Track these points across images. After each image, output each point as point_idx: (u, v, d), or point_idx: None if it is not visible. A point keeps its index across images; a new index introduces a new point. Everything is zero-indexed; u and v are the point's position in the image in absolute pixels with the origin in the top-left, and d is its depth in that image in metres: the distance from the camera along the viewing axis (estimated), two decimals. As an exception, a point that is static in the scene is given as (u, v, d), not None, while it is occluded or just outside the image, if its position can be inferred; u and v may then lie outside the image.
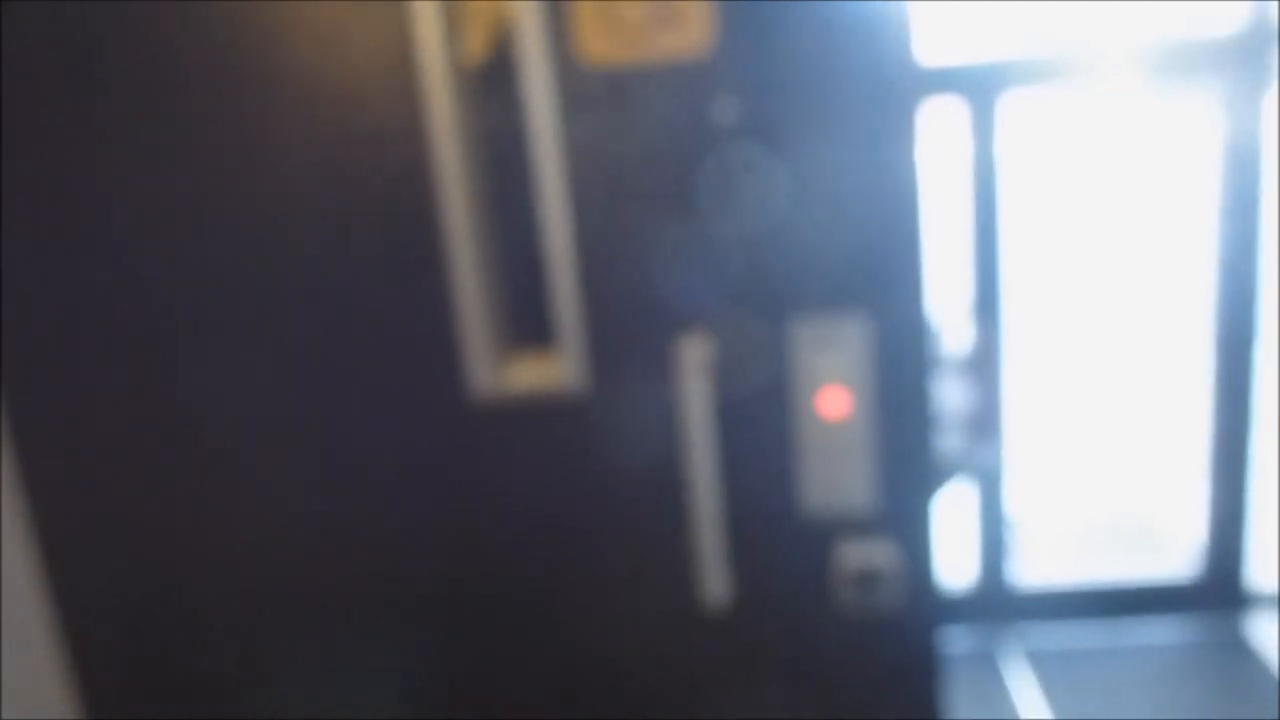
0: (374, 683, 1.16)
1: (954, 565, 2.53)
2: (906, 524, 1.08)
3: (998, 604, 2.56)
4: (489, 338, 1.04)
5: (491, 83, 1.01)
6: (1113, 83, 2.25)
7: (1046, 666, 2.37)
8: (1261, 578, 2.47)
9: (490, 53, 1.00)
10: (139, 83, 1.00)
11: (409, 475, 1.10)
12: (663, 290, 1.03)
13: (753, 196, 1.00)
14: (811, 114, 0.98)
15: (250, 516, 1.12)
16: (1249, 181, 2.23)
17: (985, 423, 2.27)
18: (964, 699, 2.29)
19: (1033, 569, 2.62)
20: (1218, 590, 2.49)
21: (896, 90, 0.98)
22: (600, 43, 0.98)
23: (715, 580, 1.06)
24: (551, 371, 1.05)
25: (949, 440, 2.23)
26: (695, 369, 1.01)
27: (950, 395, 2.21)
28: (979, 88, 2.26)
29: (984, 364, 2.29)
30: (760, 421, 1.05)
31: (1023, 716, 2.20)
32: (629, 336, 1.04)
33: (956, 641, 2.51)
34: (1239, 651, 2.37)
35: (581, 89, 0.99)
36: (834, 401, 1.04)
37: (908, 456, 1.06)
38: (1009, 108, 2.28)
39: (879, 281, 1.02)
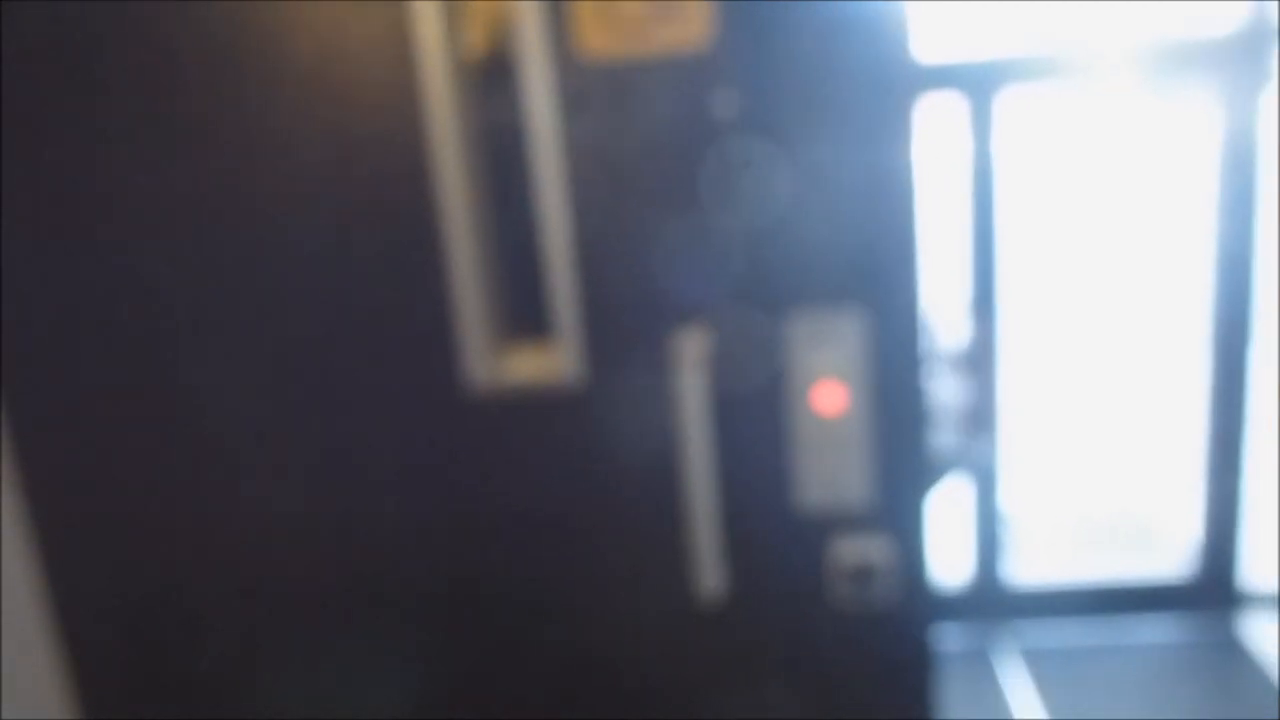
0: (371, 673, 1.16)
1: (949, 562, 2.54)
2: (901, 520, 1.08)
3: (993, 601, 2.56)
4: (487, 330, 1.04)
5: (491, 77, 1.01)
6: (1111, 81, 2.25)
7: (1041, 664, 2.38)
8: (1256, 577, 2.47)
9: (490, 47, 1.00)
10: (138, 82, 1.01)
11: (406, 468, 1.10)
12: (660, 284, 1.03)
13: (750, 191, 1.00)
14: (809, 109, 0.98)
15: (248, 513, 1.12)
16: (1246, 180, 2.24)
17: (981, 419, 2.27)
18: (959, 696, 2.29)
19: (1028, 567, 2.62)
20: (1212, 589, 2.49)
21: (894, 86, 0.98)
22: (599, 37, 0.98)
23: (710, 574, 1.06)
24: (549, 364, 1.05)
25: (945, 436, 2.23)
26: (692, 363, 1.01)
27: (946, 391, 2.22)
28: (978, 84, 2.26)
29: (980, 360, 2.29)
30: (756, 416, 1.06)
31: (1017, 714, 2.21)
32: (626, 330, 1.04)
33: (951, 639, 2.52)
34: (1233, 651, 2.37)
35: (580, 83, 0.99)
36: (830, 397, 1.04)
37: (903, 452, 1.07)
38: (1007, 104, 2.28)
39: (875, 277, 1.02)
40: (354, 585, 1.14)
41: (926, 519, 1.09)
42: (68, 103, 1.01)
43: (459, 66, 0.99)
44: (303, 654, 1.16)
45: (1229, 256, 2.29)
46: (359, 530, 1.12)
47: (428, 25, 0.97)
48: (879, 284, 1.02)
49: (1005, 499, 2.51)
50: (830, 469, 1.06)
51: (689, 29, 0.97)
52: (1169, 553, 2.63)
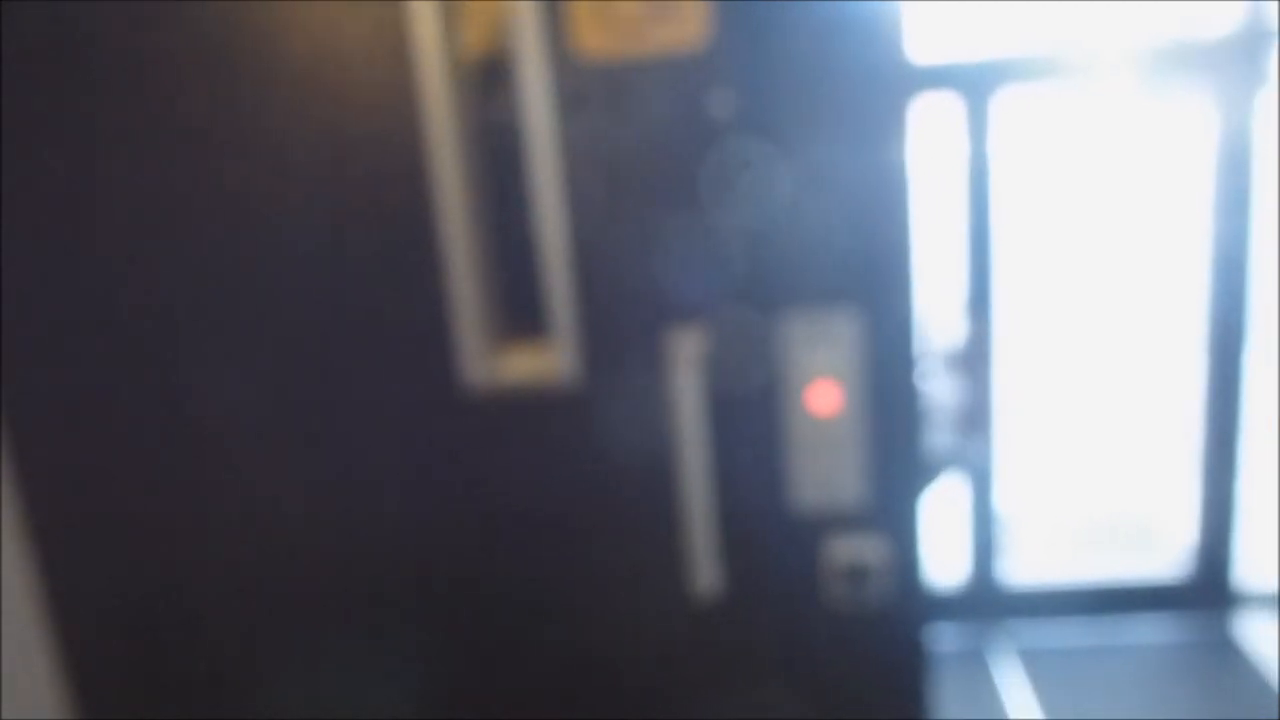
0: (365, 673, 1.16)
1: (945, 562, 2.54)
2: (896, 520, 1.08)
3: (988, 601, 2.56)
4: (484, 330, 1.04)
5: (488, 77, 1.01)
6: (1107, 81, 2.25)
7: (1037, 664, 2.38)
8: (1251, 577, 2.47)
9: (486, 47, 1.01)
10: (135, 83, 1.01)
11: (403, 468, 1.10)
12: (656, 284, 1.03)
13: (746, 192, 1.00)
14: (805, 110, 0.99)
15: (245, 514, 1.13)
16: (1242, 182, 2.24)
17: (977, 419, 2.27)
18: (954, 697, 2.29)
19: (1024, 567, 2.62)
20: (1208, 590, 2.49)
21: (890, 87, 0.98)
22: (596, 38, 0.98)
23: (706, 574, 1.06)
24: (545, 364, 1.05)
25: (940, 436, 2.23)
26: (688, 362, 1.01)
27: (942, 391, 2.22)
28: (974, 85, 2.26)
29: (976, 360, 2.29)
30: (752, 416, 1.06)
31: (1013, 715, 2.21)
32: (622, 330, 1.04)
33: (947, 639, 2.52)
34: (1228, 651, 2.38)
35: (577, 84, 0.99)
36: (825, 397, 1.04)
37: (898, 453, 1.07)
38: (1004, 105, 2.28)
39: (871, 277, 1.02)
40: (351, 585, 1.14)
41: (921, 519, 1.09)
42: (67, 103, 1.02)
43: (456, 66, 0.99)
44: (300, 654, 1.16)
45: (1225, 258, 2.28)
46: (356, 530, 1.12)
47: (425, 25, 0.97)
48: (874, 284, 1.03)
49: (1001, 499, 2.51)
50: (825, 469, 1.06)
51: (685, 29, 0.97)
52: (1165, 553, 2.63)
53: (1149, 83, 2.32)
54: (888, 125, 0.99)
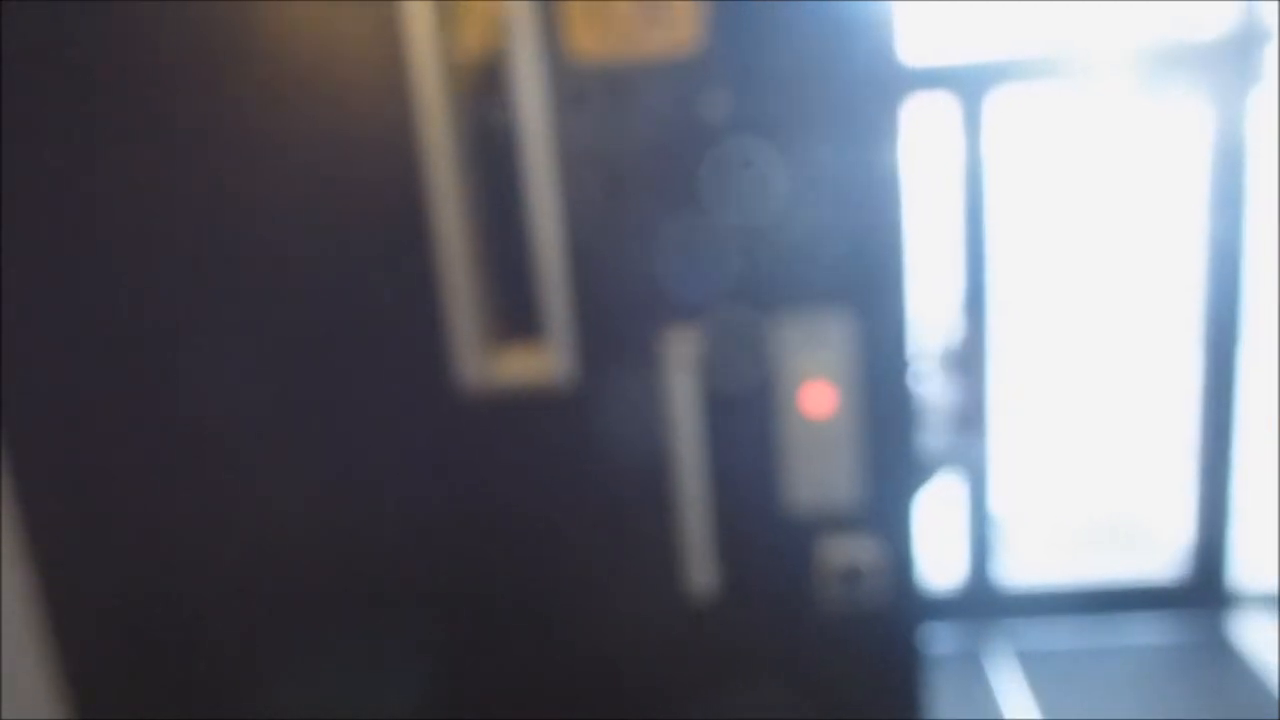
0: (361, 672, 1.16)
1: (940, 563, 2.54)
2: (890, 520, 1.09)
3: (984, 602, 2.56)
4: (479, 331, 1.04)
5: (483, 79, 1.01)
6: (1101, 82, 2.26)
7: (1033, 665, 2.38)
8: (1247, 578, 2.48)
9: (482, 49, 1.01)
10: (132, 84, 1.01)
11: (399, 468, 1.10)
12: (651, 285, 1.03)
13: (740, 193, 1.00)
14: (800, 111, 0.99)
15: (243, 513, 1.12)
16: (1236, 182, 2.24)
17: (972, 419, 2.28)
18: (950, 698, 2.29)
19: (1019, 567, 2.62)
20: (1203, 590, 2.50)
21: (884, 88, 0.98)
22: (591, 39, 0.98)
23: (700, 574, 1.06)
24: (540, 365, 1.05)
25: (935, 437, 2.23)
26: (682, 363, 1.02)
27: (937, 391, 2.22)
28: (968, 85, 2.27)
29: (971, 361, 2.30)
30: (746, 417, 1.06)
31: (1009, 715, 2.21)
32: (617, 331, 1.04)
33: (943, 640, 2.52)
34: (1224, 651, 2.38)
35: (572, 85, 0.99)
36: (819, 398, 1.04)
37: (892, 453, 1.07)
38: (998, 105, 2.28)
39: (865, 279, 1.02)
40: (348, 585, 1.14)
41: (916, 520, 1.09)
42: (66, 103, 1.02)
43: (451, 68, 0.99)
44: (298, 654, 1.16)
45: (1220, 257, 2.29)
46: (353, 530, 1.12)
47: (420, 26, 0.97)
48: (869, 285, 1.03)
49: (996, 499, 2.51)
50: (820, 470, 1.06)
51: (680, 31, 0.97)
52: (1160, 553, 2.64)
53: (1144, 82, 2.33)
54: (882, 126, 0.99)
